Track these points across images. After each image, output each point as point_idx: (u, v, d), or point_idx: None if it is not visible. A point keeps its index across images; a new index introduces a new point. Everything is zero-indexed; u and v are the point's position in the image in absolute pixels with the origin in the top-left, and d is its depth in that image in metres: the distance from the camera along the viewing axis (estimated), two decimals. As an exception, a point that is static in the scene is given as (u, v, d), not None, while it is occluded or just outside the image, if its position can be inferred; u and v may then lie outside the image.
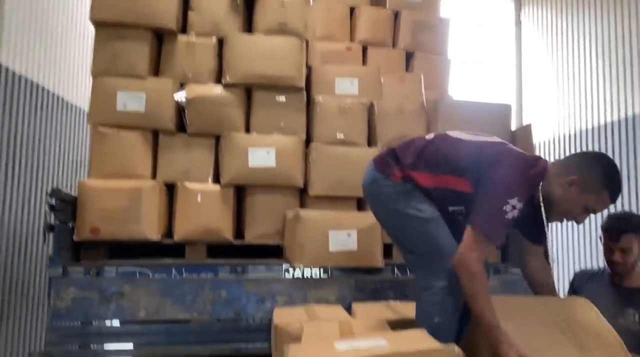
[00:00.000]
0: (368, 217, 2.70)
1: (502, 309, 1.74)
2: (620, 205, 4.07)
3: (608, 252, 2.22)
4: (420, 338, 1.57)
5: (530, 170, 1.83)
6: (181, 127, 2.90)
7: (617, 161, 4.19)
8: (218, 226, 2.73)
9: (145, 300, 2.43)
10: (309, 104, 3.08)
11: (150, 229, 2.62)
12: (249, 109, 2.97)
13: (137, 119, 2.80)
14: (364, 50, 3.64)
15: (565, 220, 1.94)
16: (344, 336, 1.86)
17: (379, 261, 2.66)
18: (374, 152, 3.00)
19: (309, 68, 3.21)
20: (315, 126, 3.01)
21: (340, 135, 3.02)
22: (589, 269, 2.44)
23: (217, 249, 2.79)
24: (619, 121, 4.29)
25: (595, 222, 4.44)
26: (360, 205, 3.00)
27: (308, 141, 3.01)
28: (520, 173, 1.80)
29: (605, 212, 2.16)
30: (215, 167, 2.88)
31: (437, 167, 1.97)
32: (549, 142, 5.23)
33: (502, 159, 1.85)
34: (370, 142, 3.10)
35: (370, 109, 3.12)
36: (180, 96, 2.82)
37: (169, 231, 2.77)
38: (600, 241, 2.30)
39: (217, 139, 2.89)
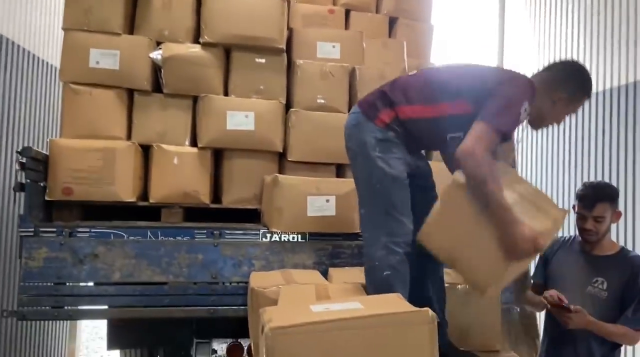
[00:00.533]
0: (347, 183, 2.71)
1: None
2: (601, 175, 4.15)
3: (581, 220, 2.26)
4: (394, 301, 1.59)
5: (531, 83, 1.95)
6: (157, 87, 2.82)
7: (600, 132, 4.30)
8: (195, 189, 2.69)
9: (119, 262, 2.41)
10: (290, 67, 3.02)
11: (125, 191, 2.57)
12: (227, 70, 2.90)
13: (111, 77, 2.71)
14: (347, 14, 3.56)
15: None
16: (320, 299, 1.88)
17: (356, 227, 2.67)
18: (354, 118, 2.99)
19: (290, 30, 3.14)
20: (296, 90, 2.96)
21: (320, 100, 2.98)
22: (559, 236, 2.49)
23: (194, 213, 2.76)
24: (604, 91, 4.31)
25: (569, 193, 4.54)
26: (339, 171, 2.99)
27: (288, 105, 2.96)
28: (528, 83, 1.94)
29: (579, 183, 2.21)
30: (192, 130, 2.82)
31: (431, 97, 1.99)
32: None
33: (508, 76, 1.98)
34: (351, 107, 3.07)
35: (352, 74, 3.08)
36: (157, 55, 2.73)
37: (144, 194, 2.72)
38: (574, 209, 2.34)
39: (195, 100, 2.82)
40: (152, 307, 2.44)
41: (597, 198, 2.21)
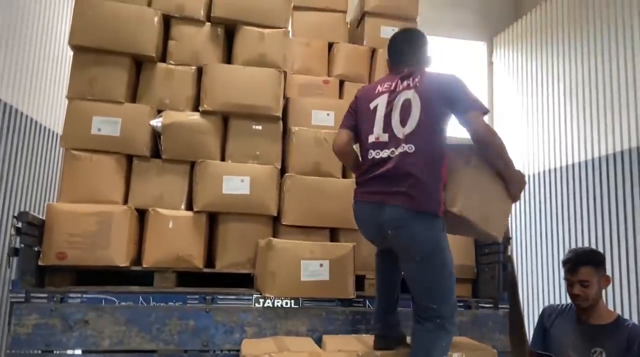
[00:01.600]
0: (341, 247, 2.72)
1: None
2: (588, 242, 4.17)
3: (569, 286, 2.27)
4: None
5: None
6: (156, 153, 2.89)
7: (584, 200, 4.39)
8: (189, 253, 2.70)
9: (110, 329, 2.36)
10: (285, 134, 3.11)
11: (119, 255, 2.57)
12: (225, 137, 2.99)
13: (112, 144, 2.79)
14: (341, 84, 3.71)
15: None
16: (312, 367, 1.84)
17: (350, 292, 2.65)
18: (347, 183, 3.04)
19: (286, 99, 3.26)
20: (291, 156, 3.04)
21: (315, 165, 3.04)
22: (557, 304, 2.48)
23: (187, 278, 2.75)
24: (586, 162, 4.43)
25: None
26: (333, 235, 3.01)
27: (283, 171, 3.03)
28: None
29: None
30: (188, 194, 2.86)
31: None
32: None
33: (451, 78, 2.20)
34: (345, 173, 3.14)
35: (346, 141, 3.16)
36: (157, 122, 2.83)
37: (137, 258, 2.72)
38: (564, 278, 2.35)
39: (192, 165, 2.89)
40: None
41: (579, 262, 2.24)
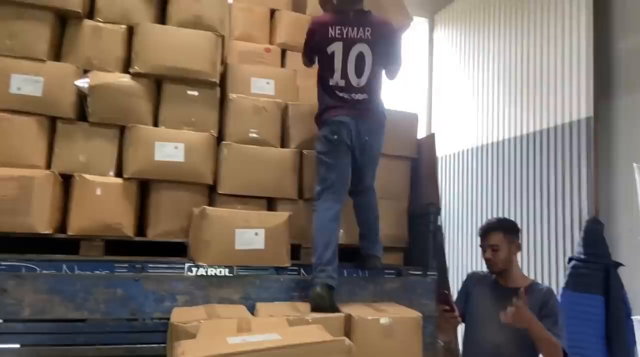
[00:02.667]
0: (276, 217, 2.71)
1: None
2: (513, 215, 4.37)
3: (483, 252, 2.40)
4: (314, 332, 1.58)
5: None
6: (82, 116, 2.74)
7: (512, 175, 4.59)
8: (118, 221, 2.60)
9: (30, 297, 2.25)
10: (223, 101, 3.03)
11: (41, 222, 2.44)
12: (158, 102, 2.87)
13: (33, 104, 2.61)
14: (283, 53, 3.65)
15: None
16: (241, 333, 1.83)
17: (285, 260, 2.66)
18: (286, 153, 3.03)
19: (224, 65, 3.17)
20: (228, 124, 2.97)
21: (253, 134, 2.99)
22: (479, 271, 2.60)
23: (117, 247, 2.66)
24: (516, 138, 4.62)
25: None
26: (270, 205, 2.99)
27: (220, 139, 2.96)
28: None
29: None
30: (118, 160, 2.74)
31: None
32: (454, 155, 5.52)
33: (397, 35, 2.99)
34: (284, 143, 3.11)
35: (285, 111, 3.13)
36: (83, 83, 2.67)
37: (62, 226, 2.59)
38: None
39: (122, 130, 2.76)
40: (65, 346, 2.28)
41: (490, 228, 2.38)
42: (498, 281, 2.39)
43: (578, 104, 4.00)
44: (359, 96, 2.75)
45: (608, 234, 3.61)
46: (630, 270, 3.37)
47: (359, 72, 2.75)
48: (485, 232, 2.40)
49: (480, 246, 2.44)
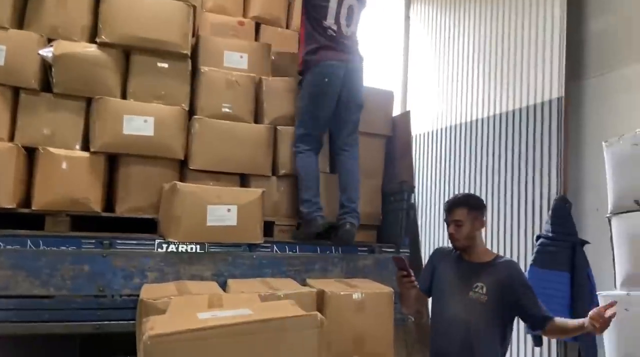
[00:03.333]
0: (249, 193, 2.68)
1: None
2: (485, 196, 4.44)
3: (447, 226, 2.41)
4: (286, 307, 1.57)
5: None
6: (47, 86, 2.63)
7: (483, 154, 4.65)
8: (85, 196, 2.53)
9: (-7, 273, 2.18)
10: (194, 74, 2.95)
11: (4, 196, 2.36)
12: (126, 74, 2.77)
13: (-6, 74, 2.50)
14: (257, 27, 3.57)
15: None
16: (212, 309, 1.81)
17: (258, 237, 2.64)
18: (260, 129, 2.98)
19: (196, 37, 3.08)
20: (200, 98, 2.90)
21: (226, 109, 2.93)
22: (445, 246, 2.62)
23: (84, 223, 2.59)
24: (489, 118, 4.66)
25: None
26: (243, 182, 2.95)
27: (192, 113, 2.89)
28: None
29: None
30: (84, 133, 2.65)
31: None
32: (429, 134, 5.55)
33: None
34: (257, 119, 3.06)
35: (259, 85, 3.07)
36: (47, 52, 2.56)
37: (27, 200, 2.51)
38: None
39: (88, 102, 2.66)
40: (30, 322, 2.22)
41: (454, 204, 2.39)
42: (462, 257, 2.41)
43: (550, 85, 4.04)
44: (347, 42, 2.98)
45: (575, 212, 3.69)
46: (596, 247, 3.45)
47: (348, 22, 2.99)
48: (450, 207, 2.39)
49: (445, 220, 2.44)
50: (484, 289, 2.27)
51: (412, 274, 2.32)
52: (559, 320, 2.26)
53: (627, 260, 2.70)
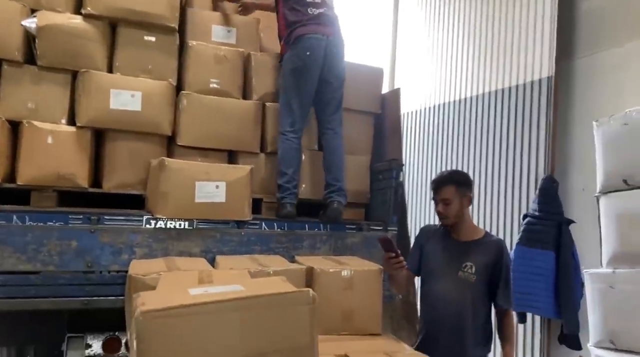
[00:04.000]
0: (238, 170, 2.66)
1: None
2: (473, 175, 4.46)
3: (435, 205, 2.41)
4: (277, 284, 1.57)
5: None
6: (31, 59, 2.56)
7: (472, 133, 4.65)
8: (71, 172, 2.49)
9: (-23, 249, 2.15)
10: (182, 49, 2.89)
11: (-13, 171, 2.31)
12: (112, 47, 2.71)
13: (-24, 45, 2.42)
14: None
15: None
16: (202, 285, 1.81)
17: (247, 214, 2.63)
18: (248, 105, 2.95)
19: (183, 11, 3.01)
20: (188, 72, 2.86)
21: (214, 84, 2.89)
22: (431, 225, 2.63)
23: (71, 198, 2.55)
24: (478, 96, 4.65)
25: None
26: (231, 158, 2.93)
27: (179, 88, 2.84)
28: None
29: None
30: (70, 107, 2.60)
31: None
32: (418, 112, 5.53)
33: None
34: (246, 95, 3.02)
35: (247, 60, 3.03)
36: (30, 23, 2.49)
37: (11, 175, 2.46)
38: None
39: (74, 76, 2.61)
40: (16, 298, 2.20)
41: (442, 182, 2.38)
42: (451, 235, 2.41)
43: (540, 64, 4.03)
44: (327, 14, 2.92)
45: (562, 191, 3.72)
46: (581, 227, 3.50)
47: None
48: (437, 185, 2.37)
49: (433, 199, 2.43)
50: (473, 269, 2.30)
51: (400, 254, 2.31)
52: (507, 337, 2.37)
53: (614, 239, 2.74)
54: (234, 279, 1.92)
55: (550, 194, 3.62)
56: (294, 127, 2.84)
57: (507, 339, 2.36)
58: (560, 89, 3.95)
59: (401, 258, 2.30)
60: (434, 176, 2.63)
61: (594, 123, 2.91)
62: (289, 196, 2.78)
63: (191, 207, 2.50)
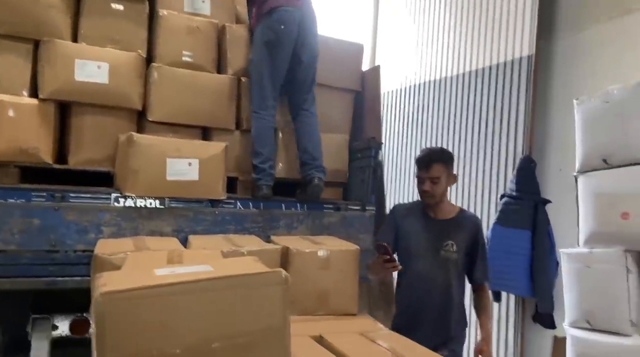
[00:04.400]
0: (212, 147, 2.57)
1: None
2: (452, 149, 4.43)
3: (420, 183, 2.36)
4: (249, 264, 1.51)
5: None
6: (-12, 26, 2.41)
7: (451, 112, 4.62)
8: (34, 146, 2.36)
9: None
10: (152, 19, 2.75)
11: (-58, 146, 2.17)
12: (77, 15, 2.56)
13: None
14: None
15: None
16: (171, 265, 1.73)
17: (221, 193, 2.54)
18: (223, 79, 2.84)
19: (154, -22, 2.86)
20: (158, 44, 2.72)
21: (186, 57, 2.77)
22: (404, 203, 2.59)
23: (34, 175, 2.43)
24: (458, 75, 4.61)
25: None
26: (205, 135, 2.82)
27: (150, 61, 2.71)
28: None
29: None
30: (32, 79, 2.46)
31: None
32: (397, 91, 5.47)
33: None
34: (220, 69, 2.91)
35: (222, 32, 2.91)
36: (-14, -13, 2.32)
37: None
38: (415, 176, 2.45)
39: (36, 45, 2.46)
40: (-24, 278, 2.10)
41: (432, 160, 2.32)
42: (427, 213, 2.37)
43: (521, 42, 3.99)
44: None
45: (540, 171, 3.73)
46: (557, 206, 3.52)
47: None
48: (428, 163, 2.32)
49: (418, 176, 2.38)
50: (454, 247, 2.28)
51: (395, 259, 2.26)
52: (483, 308, 2.38)
53: (592, 218, 2.74)
54: (205, 259, 1.84)
55: (527, 174, 3.62)
56: (266, 104, 2.73)
57: (483, 309, 2.35)
58: (540, 68, 3.93)
59: (397, 263, 2.24)
60: (412, 155, 2.57)
61: (575, 101, 2.88)
62: (265, 177, 2.68)
63: (162, 185, 2.40)
